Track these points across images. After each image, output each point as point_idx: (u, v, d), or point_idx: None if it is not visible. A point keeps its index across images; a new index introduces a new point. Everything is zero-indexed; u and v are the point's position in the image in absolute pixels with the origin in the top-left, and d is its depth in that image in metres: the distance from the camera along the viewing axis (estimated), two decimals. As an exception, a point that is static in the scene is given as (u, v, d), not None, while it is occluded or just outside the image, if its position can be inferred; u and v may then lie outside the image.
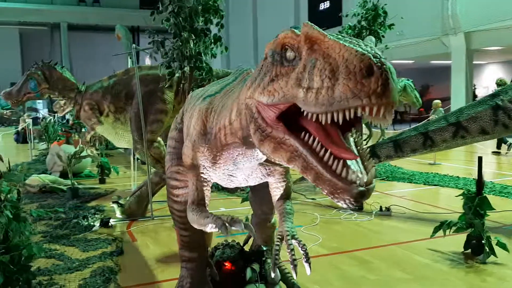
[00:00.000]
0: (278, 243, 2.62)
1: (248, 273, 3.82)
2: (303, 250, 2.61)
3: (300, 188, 8.52)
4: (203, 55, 4.79)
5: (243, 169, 2.61)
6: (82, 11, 39.96)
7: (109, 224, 6.31)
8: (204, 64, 4.90)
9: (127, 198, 6.81)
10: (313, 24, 1.67)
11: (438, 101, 13.18)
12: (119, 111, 6.71)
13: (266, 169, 2.68)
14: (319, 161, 1.64)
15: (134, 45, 6.35)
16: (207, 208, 2.78)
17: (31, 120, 18.13)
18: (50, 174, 9.94)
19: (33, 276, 3.21)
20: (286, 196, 2.84)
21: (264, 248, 4.09)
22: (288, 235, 2.63)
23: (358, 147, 1.71)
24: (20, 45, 43.70)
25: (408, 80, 11.11)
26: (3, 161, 5.55)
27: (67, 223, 6.39)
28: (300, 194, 8.20)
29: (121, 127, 6.88)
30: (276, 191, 2.84)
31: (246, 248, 4.24)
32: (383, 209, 6.80)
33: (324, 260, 4.86)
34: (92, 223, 6.29)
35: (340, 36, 1.63)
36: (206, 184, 2.74)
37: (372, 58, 1.46)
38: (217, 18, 5.02)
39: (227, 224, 2.36)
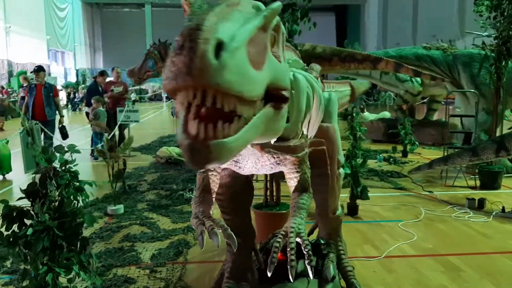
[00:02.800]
0: (279, 239, 2.37)
1: (300, 265, 3.58)
2: (305, 251, 2.32)
3: (418, 178, 7.80)
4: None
5: (245, 155, 2.41)
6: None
7: (209, 199, 6.51)
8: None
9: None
10: None
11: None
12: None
13: (274, 157, 2.44)
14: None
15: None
16: (213, 197, 2.68)
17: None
18: (181, 147, 10.64)
19: (86, 242, 3.41)
20: (301, 188, 2.56)
21: (322, 242, 3.80)
22: (292, 232, 2.36)
23: None
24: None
25: None
26: (108, 132, 6.08)
27: (173, 194, 6.79)
28: (418, 185, 7.48)
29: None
30: (291, 182, 2.58)
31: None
32: (507, 210, 5.84)
33: (407, 262, 4.36)
34: (192, 195, 6.56)
35: (201, 4, 1.35)
36: (212, 169, 2.61)
37: (188, 29, 1.17)
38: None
39: (203, 235, 2.26)
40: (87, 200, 3.48)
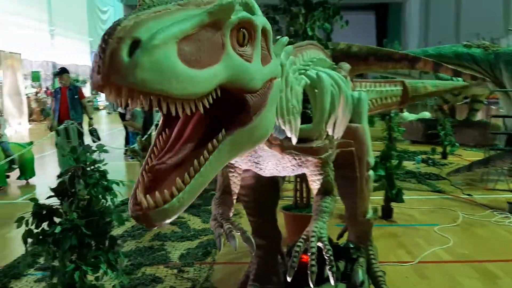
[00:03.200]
0: (300, 243, 2.31)
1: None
2: (327, 256, 2.26)
3: (458, 181, 7.52)
4: (310, 31, 4.43)
5: (265, 157, 2.36)
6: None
7: (241, 199, 6.49)
8: (316, 41, 4.55)
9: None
10: None
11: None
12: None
13: (295, 159, 2.38)
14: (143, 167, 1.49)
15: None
16: (234, 197, 2.65)
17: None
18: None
19: (114, 241, 3.44)
20: (323, 191, 2.49)
21: (352, 245, 3.71)
22: (313, 236, 2.30)
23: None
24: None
25: None
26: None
27: (204, 193, 6.78)
28: (457, 188, 7.22)
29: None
30: (313, 184, 2.51)
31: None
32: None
33: (441, 268, 4.20)
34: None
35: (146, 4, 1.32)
36: (233, 170, 2.58)
37: (107, 30, 1.16)
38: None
39: (221, 238, 2.27)
40: (115, 199, 3.52)
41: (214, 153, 1.47)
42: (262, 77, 1.63)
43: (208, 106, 1.37)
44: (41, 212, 3.25)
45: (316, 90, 2.42)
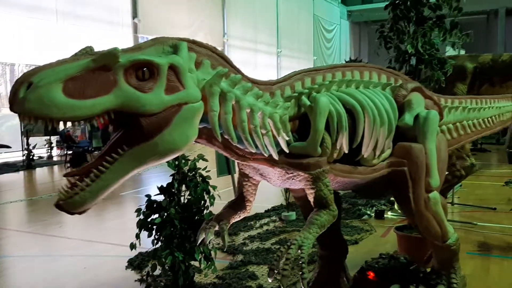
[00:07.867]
0: (282, 250, 2.54)
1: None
2: (299, 262, 2.45)
3: None
4: (410, 48, 4.23)
5: (263, 170, 2.67)
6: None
7: (383, 216, 6.47)
8: (426, 57, 4.30)
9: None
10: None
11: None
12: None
13: (287, 173, 2.62)
14: None
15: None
16: (248, 205, 2.93)
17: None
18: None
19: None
20: (317, 204, 2.65)
21: (427, 270, 3.57)
22: (294, 244, 2.50)
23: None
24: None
25: None
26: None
27: (352, 208, 6.96)
28: None
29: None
30: (309, 197, 2.68)
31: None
32: None
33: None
34: (366, 212, 6.60)
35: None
36: (246, 179, 2.90)
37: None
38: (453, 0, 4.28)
39: (200, 233, 2.75)
40: (212, 200, 4.17)
41: (114, 164, 1.97)
42: (160, 103, 2.01)
43: (96, 125, 1.88)
44: (152, 205, 4.10)
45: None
